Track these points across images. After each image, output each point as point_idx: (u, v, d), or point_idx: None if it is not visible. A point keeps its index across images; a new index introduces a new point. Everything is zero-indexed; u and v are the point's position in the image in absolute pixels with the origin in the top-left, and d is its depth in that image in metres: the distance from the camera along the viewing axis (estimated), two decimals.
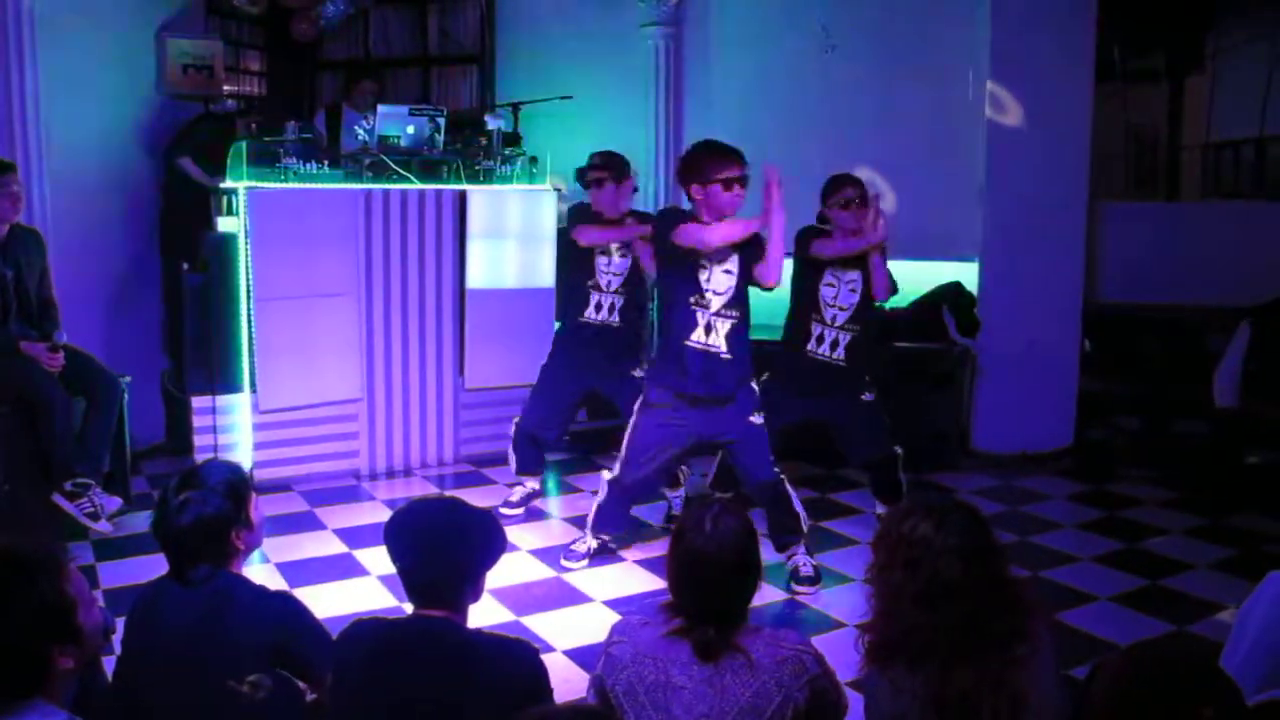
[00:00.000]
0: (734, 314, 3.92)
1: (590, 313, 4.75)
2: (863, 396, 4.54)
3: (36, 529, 4.08)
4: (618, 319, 4.74)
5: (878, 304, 4.56)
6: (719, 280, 3.91)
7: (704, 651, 2.03)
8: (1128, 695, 1.47)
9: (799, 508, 4.10)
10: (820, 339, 4.50)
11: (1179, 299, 6.10)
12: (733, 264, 3.91)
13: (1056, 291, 5.83)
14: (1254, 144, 6.43)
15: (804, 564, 4.09)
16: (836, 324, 4.47)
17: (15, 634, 1.68)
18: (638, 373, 4.69)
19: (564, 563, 4.26)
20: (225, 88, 6.02)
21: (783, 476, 4.08)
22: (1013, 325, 5.80)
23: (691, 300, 3.90)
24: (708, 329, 3.90)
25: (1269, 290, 5.22)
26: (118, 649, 2.31)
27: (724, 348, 3.90)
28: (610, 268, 4.74)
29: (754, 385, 4.07)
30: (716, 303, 3.90)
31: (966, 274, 5.96)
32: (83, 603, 1.81)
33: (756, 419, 4.02)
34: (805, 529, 4.11)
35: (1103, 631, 3.67)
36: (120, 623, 2.34)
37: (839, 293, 4.47)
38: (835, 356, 4.49)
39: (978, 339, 5.83)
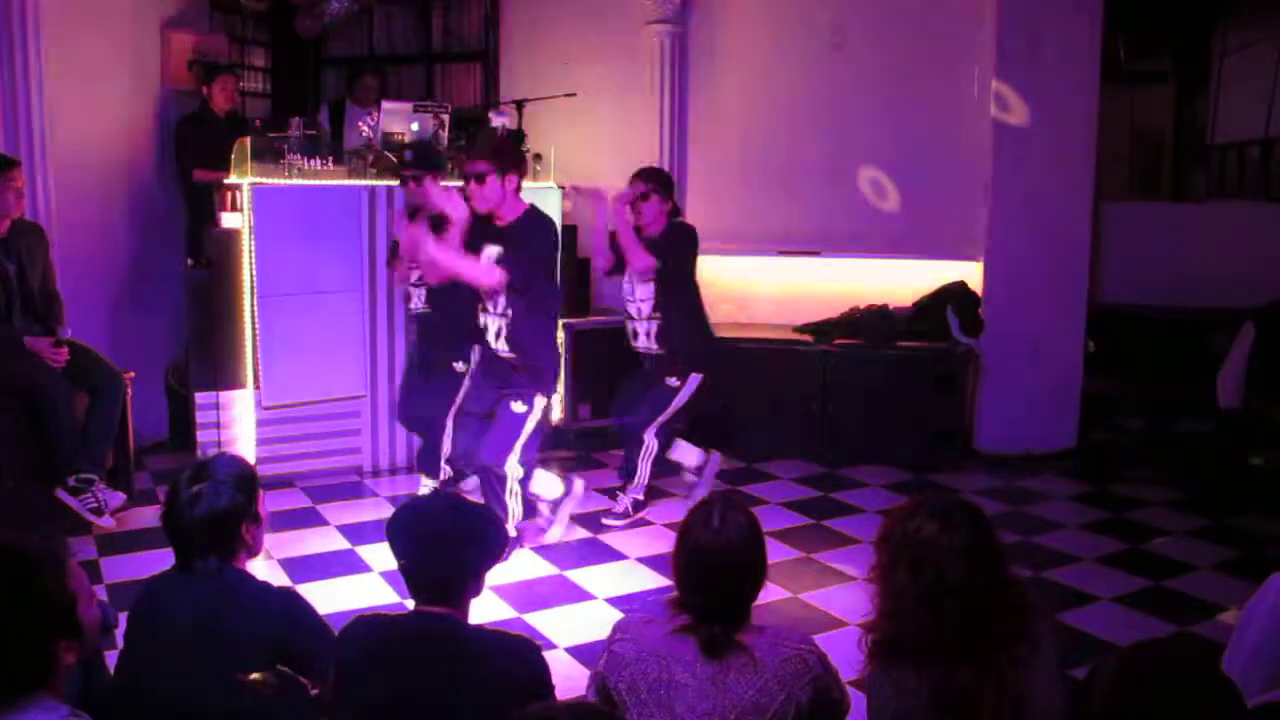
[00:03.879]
0: (505, 312, 4.11)
1: None
2: (667, 380, 4.60)
3: (39, 524, 4.08)
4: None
5: (654, 273, 4.52)
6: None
7: (709, 649, 2.03)
8: (1127, 694, 1.47)
9: (509, 504, 4.22)
10: (635, 334, 4.67)
11: (1183, 300, 6.10)
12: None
13: (1060, 291, 5.83)
14: (1259, 145, 6.40)
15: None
16: (643, 315, 4.61)
17: (19, 629, 1.68)
18: None
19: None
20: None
21: (505, 472, 4.18)
22: (1017, 325, 5.80)
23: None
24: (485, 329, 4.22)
25: (1273, 291, 5.22)
26: (120, 644, 2.32)
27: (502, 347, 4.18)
28: None
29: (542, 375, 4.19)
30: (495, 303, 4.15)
31: (971, 273, 5.95)
32: (83, 597, 1.81)
33: (519, 406, 4.14)
34: (508, 524, 4.14)
35: (1105, 632, 3.66)
36: (123, 617, 2.35)
37: (634, 287, 4.61)
38: (650, 347, 4.64)
39: (981, 339, 5.82)
